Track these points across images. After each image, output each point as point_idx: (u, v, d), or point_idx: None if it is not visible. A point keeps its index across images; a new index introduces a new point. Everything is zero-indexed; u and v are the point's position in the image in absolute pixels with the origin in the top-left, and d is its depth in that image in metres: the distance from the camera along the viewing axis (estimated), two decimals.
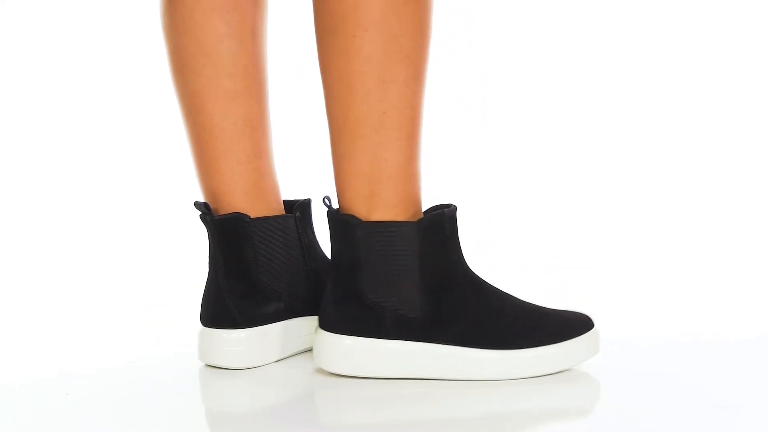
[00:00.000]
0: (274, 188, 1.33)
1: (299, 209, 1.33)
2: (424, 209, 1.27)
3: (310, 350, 1.33)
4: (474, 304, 1.24)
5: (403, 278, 1.23)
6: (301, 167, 2.08)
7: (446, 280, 1.24)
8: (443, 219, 1.24)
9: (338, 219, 1.24)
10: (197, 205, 1.30)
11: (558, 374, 1.24)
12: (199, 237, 2.03)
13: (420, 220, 1.23)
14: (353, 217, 1.23)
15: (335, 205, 1.28)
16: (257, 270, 1.29)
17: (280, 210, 1.33)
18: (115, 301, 1.66)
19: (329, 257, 1.29)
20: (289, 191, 1.39)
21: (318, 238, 1.35)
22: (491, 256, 1.54)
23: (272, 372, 1.29)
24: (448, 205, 1.26)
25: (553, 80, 2.32)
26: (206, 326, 1.29)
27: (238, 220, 1.29)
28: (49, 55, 2.35)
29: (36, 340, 1.46)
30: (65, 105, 2.34)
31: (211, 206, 1.31)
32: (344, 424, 1.16)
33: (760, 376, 1.25)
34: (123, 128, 2.34)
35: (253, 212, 1.30)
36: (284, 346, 1.31)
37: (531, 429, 1.14)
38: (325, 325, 1.25)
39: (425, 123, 1.26)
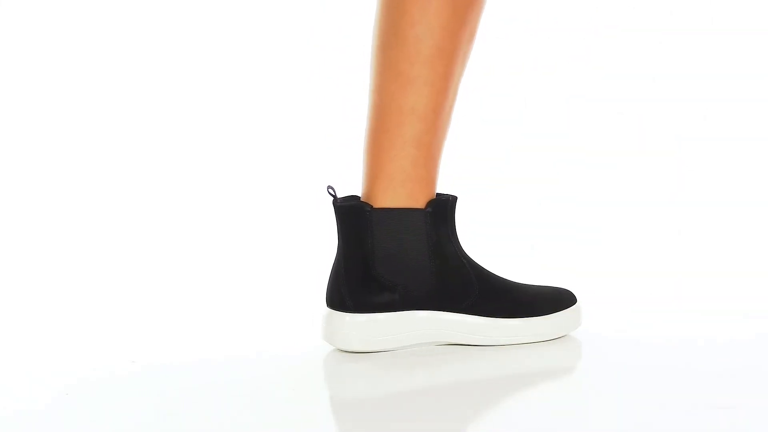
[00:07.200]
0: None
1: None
2: None
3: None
4: (478, 283, 1.34)
5: (413, 260, 1.31)
6: (311, 159, 2.08)
7: (452, 261, 1.33)
8: (447, 206, 1.32)
9: (351, 205, 1.31)
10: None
11: (551, 341, 1.37)
12: (201, 237, 2.03)
13: (428, 205, 1.32)
14: (365, 204, 1.31)
15: (339, 195, 1.34)
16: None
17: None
18: (115, 301, 1.66)
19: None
20: (295, 183, 1.41)
21: (326, 226, 1.39)
22: (482, 248, 1.56)
23: (277, 353, 1.35)
24: (450, 196, 1.34)
25: (547, 82, 2.33)
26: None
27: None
28: (49, 54, 2.35)
29: (36, 340, 1.46)
30: (68, 103, 2.35)
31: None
32: (347, 397, 1.23)
33: (758, 376, 1.26)
34: (126, 125, 2.34)
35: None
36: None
37: (526, 389, 1.24)
38: (334, 305, 1.32)
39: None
